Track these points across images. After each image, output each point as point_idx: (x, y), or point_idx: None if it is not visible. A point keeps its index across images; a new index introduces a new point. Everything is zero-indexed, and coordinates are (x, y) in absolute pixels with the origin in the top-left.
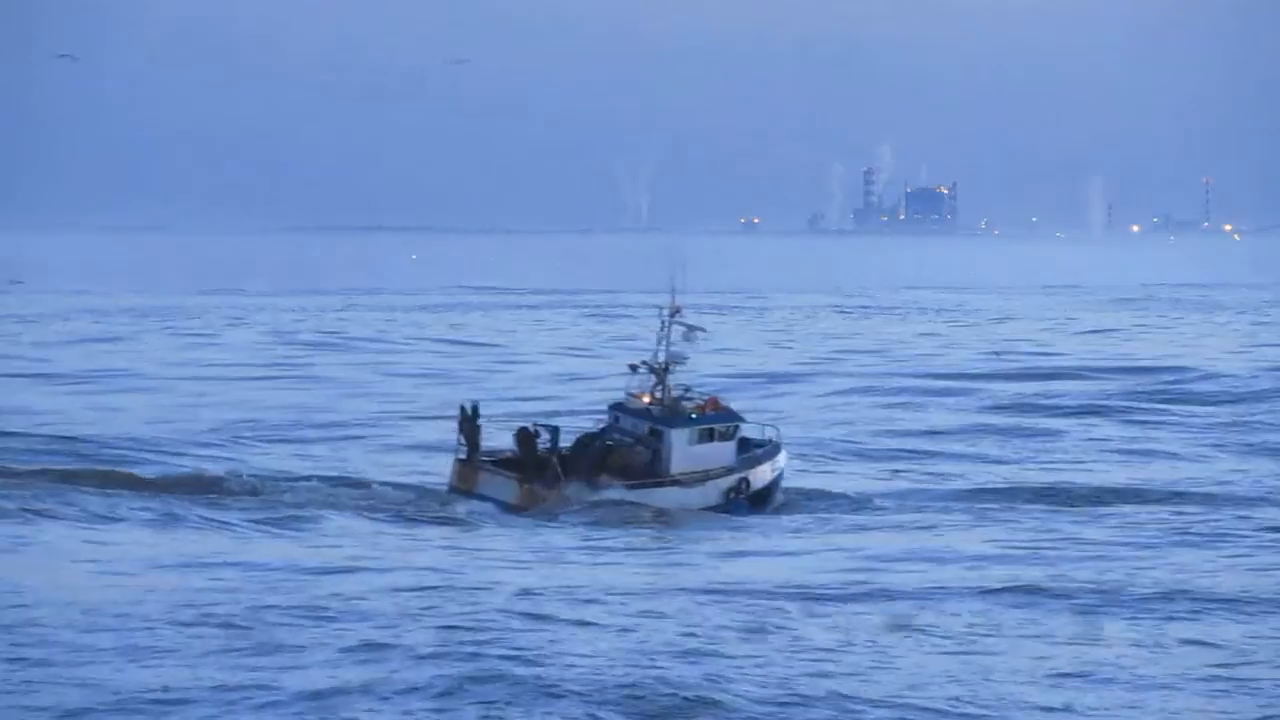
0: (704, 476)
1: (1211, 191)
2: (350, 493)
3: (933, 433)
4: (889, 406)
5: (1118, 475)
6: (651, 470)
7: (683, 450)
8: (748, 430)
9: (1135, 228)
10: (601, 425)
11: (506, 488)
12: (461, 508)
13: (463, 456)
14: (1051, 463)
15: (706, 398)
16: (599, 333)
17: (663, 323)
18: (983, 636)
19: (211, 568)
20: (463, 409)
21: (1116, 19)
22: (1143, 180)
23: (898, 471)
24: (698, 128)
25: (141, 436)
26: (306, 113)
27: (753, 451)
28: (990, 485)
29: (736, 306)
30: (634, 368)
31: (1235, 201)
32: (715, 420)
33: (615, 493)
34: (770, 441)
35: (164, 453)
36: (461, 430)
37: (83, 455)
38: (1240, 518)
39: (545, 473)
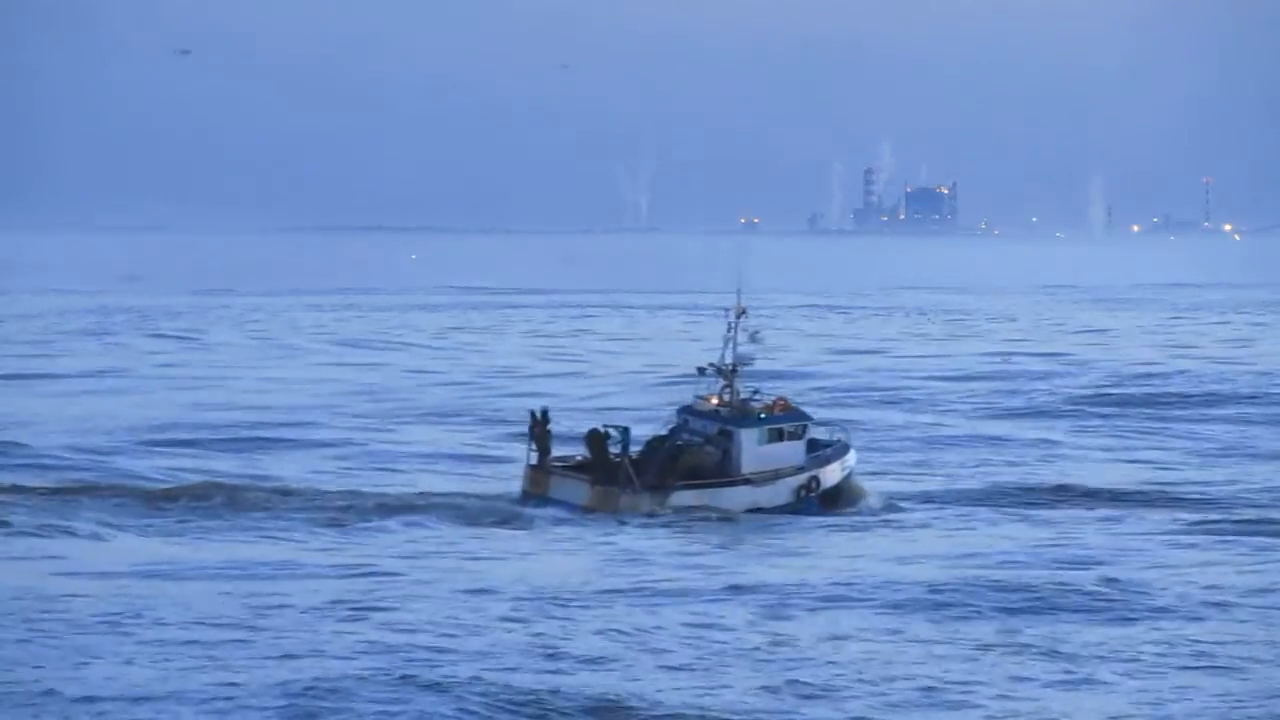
0: (774, 475)
1: (1211, 191)
2: (427, 500)
3: (940, 435)
4: (891, 406)
5: (1129, 476)
6: (722, 470)
7: (753, 450)
8: (816, 432)
9: (1135, 228)
10: (670, 427)
11: (578, 490)
12: (533, 512)
13: (534, 462)
14: (1054, 463)
15: (775, 398)
16: (600, 332)
17: (729, 325)
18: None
19: (285, 579)
20: (533, 414)
21: (1117, 19)
22: (1143, 180)
23: (907, 473)
24: (698, 128)
25: (140, 441)
26: (307, 113)
27: (822, 451)
28: (1003, 486)
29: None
30: (702, 370)
31: (1235, 201)
32: (784, 420)
33: (687, 494)
34: (839, 442)
35: (166, 458)
36: (532, 435)
37: (95, 468)
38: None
39: (616, 474)
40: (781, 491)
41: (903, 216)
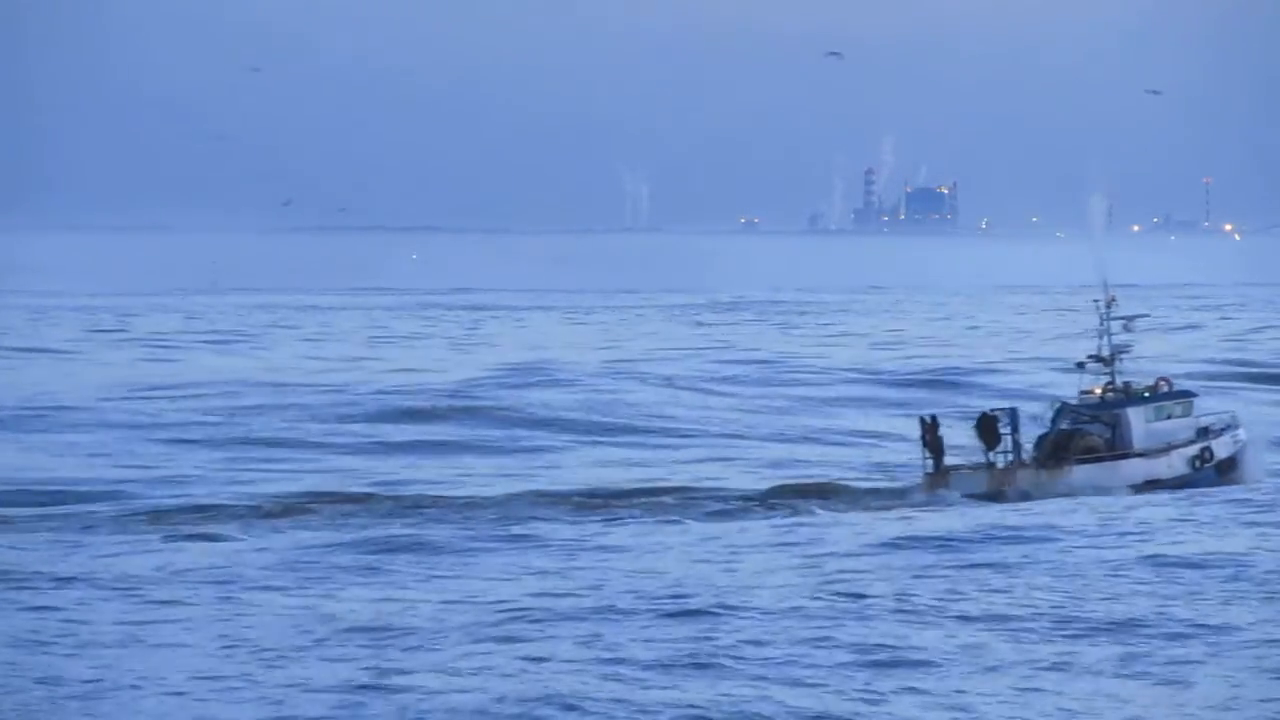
0: (1167, 448)
1: (1211, 191)
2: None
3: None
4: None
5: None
6: (1113, 450)
7: (1142, 427)
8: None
9: (1135, 228)
10: (1049, 423)
11: (976, 479)
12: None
13: (930, 470)
14: None
15: (1157, 378)
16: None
17: (1101, 317)
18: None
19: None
20: (923, 421)
21: (1117, 19)
22: (1143, 180)
23: None
24: (698, 127)
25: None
26: (308, 113)
27: (1212, 425)
28: None
29: (738, 305)
30: (1081, 365)
31: (1235, 201)
32: (1169, 397)
33: (1083, 469)
34: (1228, 418)
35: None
36: (925, 443)
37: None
38: None
39: (1012, 455)
40: (1176, 463)
41: (903, 216)
